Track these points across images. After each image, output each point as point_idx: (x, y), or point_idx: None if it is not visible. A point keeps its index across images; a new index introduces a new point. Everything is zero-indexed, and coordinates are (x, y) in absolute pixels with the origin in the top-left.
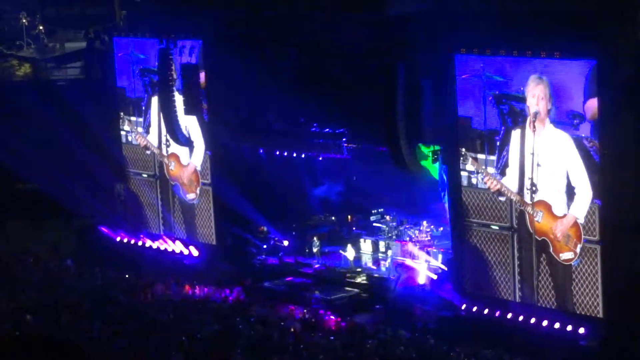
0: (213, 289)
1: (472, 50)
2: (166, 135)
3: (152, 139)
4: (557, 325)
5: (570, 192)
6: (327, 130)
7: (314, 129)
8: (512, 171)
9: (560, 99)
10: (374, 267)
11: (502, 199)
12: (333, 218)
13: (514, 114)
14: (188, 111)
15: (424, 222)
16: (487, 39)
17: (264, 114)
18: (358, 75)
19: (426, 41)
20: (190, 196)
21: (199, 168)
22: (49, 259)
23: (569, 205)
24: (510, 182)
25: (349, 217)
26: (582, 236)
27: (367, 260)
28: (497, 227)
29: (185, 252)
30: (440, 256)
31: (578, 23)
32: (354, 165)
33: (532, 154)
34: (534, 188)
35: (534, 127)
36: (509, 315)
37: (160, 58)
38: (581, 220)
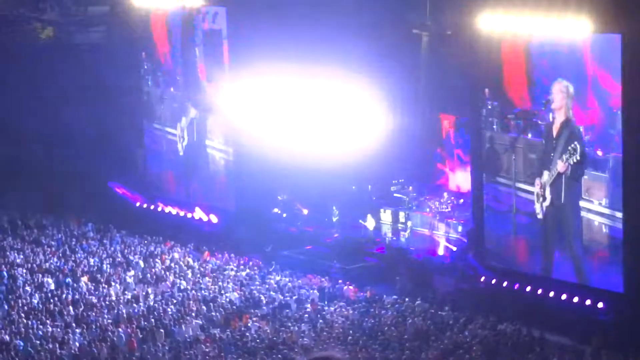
0: (232, 256)
1: (496, 22)
2: (188, 102)
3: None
4: (575, 299)
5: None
6: None
7: None
8: None
9: None
10: (394, 238)
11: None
12: (353, 187)
13: None
14: (210, 78)
15: (445, 194)
16: (513, 10)
17: (287, 81)
18: (382, 45)
19: (453, 9)
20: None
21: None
22: (69, 223)
23: None
24: None
25: (369, 186)
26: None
27: (386, 230)
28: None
29: (205, 218)
30: (460, 228)
31: None
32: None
33: None
34: None
35: None
36: (528, 289)
37: (183, 24)
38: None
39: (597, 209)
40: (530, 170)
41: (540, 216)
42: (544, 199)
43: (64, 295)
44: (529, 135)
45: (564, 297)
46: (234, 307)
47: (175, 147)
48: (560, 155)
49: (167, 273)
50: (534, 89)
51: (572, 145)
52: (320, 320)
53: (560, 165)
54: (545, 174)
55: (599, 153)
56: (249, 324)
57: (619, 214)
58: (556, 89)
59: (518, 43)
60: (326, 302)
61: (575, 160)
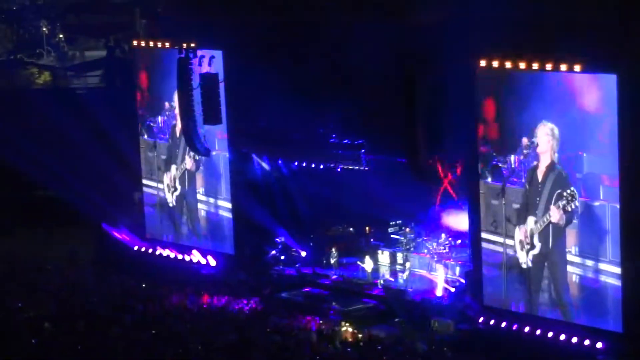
0: (230, 299)
1: (491, 63)
2: (179, 150)
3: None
4: (574, 340)
5: None
6: (346, 141)
7: (332, 140)
8: None
9: None
10: (392, 279)
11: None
12: (351, 229)
13: None
14: (207, 121)
15: (442, 234)
16: (508, 51)
17: (283, 124)
18: (378, 85)
19: (448, 51)
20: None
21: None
22: (67, 267)
23: None
24: None
25: (367, 228)
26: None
27: (385, 272)
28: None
29: (203, 261)
30: (458, 269)
31: (600, 35)
32: (372, 177)
33: None
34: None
35: None
36: (527, 329)
37: (179, 68)
38: None
39: (568, 258)
40: (493, 218)
41: (525, 265)
42: (532, 247)
43: None
44: (489, 179)
45: (562, 337)
46: (233, 350)
47: (165, 195)
48: (553, 201)
49: (165, 316)
50: (516, 130)
51: (569, 190)
52: None
53: (554, 212)
54: (530, 220)
55: None
56: None
57: (590, 262)
58: (541, 132)
59: (507, 84)
60: (325, 344)
61: (573, 207)
